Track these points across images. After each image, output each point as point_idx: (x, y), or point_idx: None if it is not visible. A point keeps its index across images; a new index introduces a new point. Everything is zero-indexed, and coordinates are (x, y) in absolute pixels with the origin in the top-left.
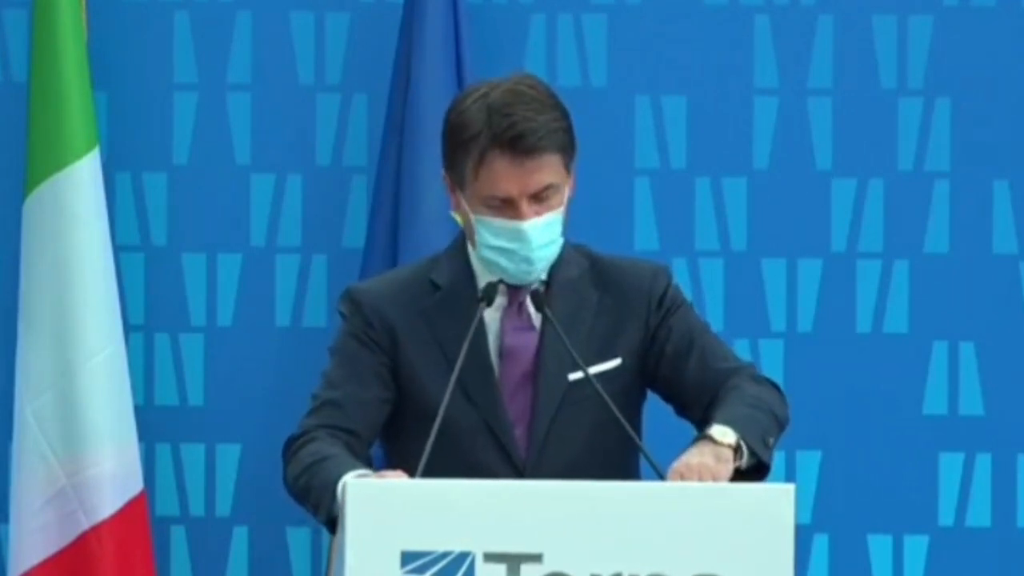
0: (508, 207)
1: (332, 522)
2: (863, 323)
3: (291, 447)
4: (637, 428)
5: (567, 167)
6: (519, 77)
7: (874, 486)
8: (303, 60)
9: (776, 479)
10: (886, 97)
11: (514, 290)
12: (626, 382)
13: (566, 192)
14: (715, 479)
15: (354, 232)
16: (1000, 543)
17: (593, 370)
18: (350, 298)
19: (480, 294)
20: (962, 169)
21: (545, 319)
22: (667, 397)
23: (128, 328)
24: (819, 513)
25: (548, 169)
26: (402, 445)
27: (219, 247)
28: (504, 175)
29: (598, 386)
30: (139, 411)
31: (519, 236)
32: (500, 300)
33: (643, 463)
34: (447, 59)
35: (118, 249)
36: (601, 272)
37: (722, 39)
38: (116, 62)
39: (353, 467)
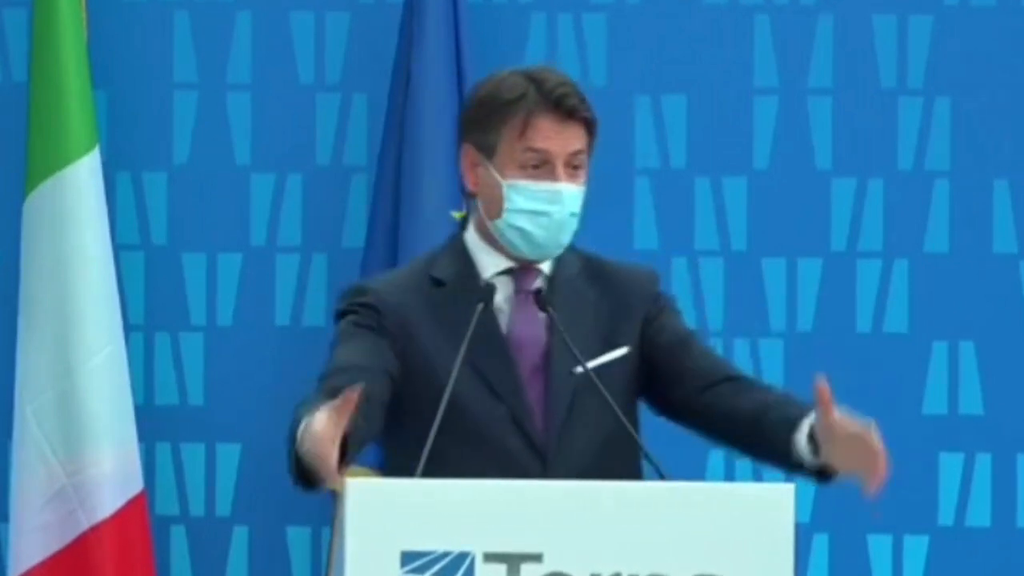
0: (544, 170)
1: (304, 476)
2: (863, 323)
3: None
4: (636, 421)
5: (588, 151)
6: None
7: None
8: (303, 60)
9: (776, 479)
10: (886, 97)
11: (520, 279)
12: (629, 374)
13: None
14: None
15: (354, 232)
16: (1000, 543)
17: (602, 360)
18: (356, 291)
19: (478, 296)
20: (962, 169)
21: (550, 314)
22: (652, 386)
23: (128, 328)
24: (819, 513)
25: (581, 137)
26: (417, 439)
27: (219, 247)
28: (550, 132)
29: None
30: (139, 411)
31: (556, 197)
32: (507, 291)
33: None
34: (447, 59)
35: (118, 249)
36: (595, 270)
37: (722, 39)
38: (116, 62)
39: (313, 409)
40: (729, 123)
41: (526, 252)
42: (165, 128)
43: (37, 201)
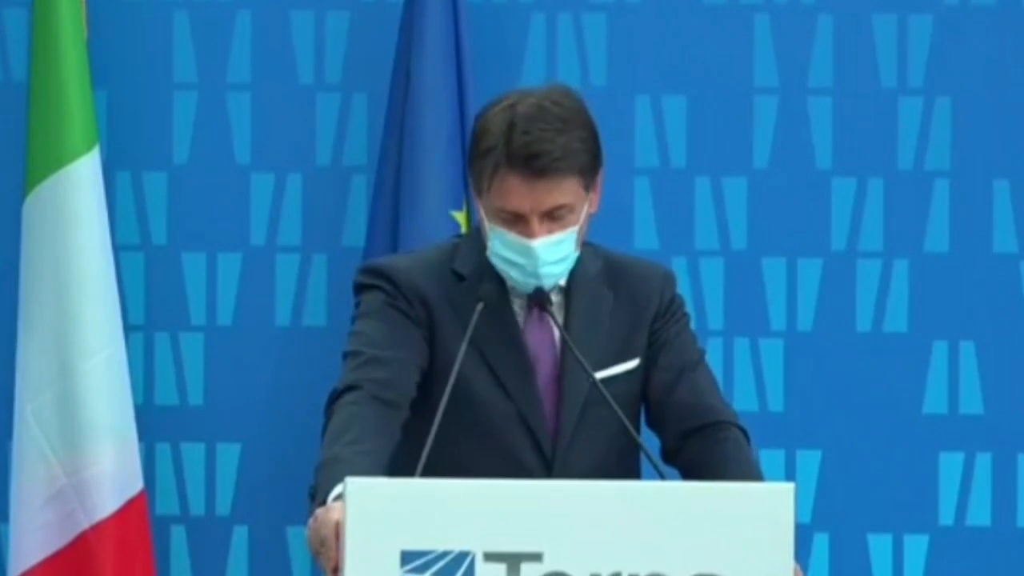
0: (519, 222)
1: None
2: (863, 323)
3: (333, 403)
4: (639, 427)
5: (587, 186)
6: (551, 89)
7: (874, 486)
8: (303, 60)
9: (776, 479)
10: (886, 97)
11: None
12: (639, 382)
13: (584, 210)
14: None
15: (354, 232)
16: (1000, 543)
17: (615, 370)
18: (379, 271)
19: (480, 295)
20: (962, 169)
21: (566, 320)
22: (644, 404)
23: (128, 328)
24: (819, 513)
25: (563, 191)
26: (429, 427)
27: (219, 247)
28: (516, 192)
29: (607, 395)
30: (139, 411)
31: (528, 253)
32: (523, 296)
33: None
34: (447, 59)
35: (118, 249)
36: (613, 271)
37: (722, 39)
38: (116, 62)
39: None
40: (729, 123)
41: (515, 285)
42: (165, 128)
43: (37, 201)
